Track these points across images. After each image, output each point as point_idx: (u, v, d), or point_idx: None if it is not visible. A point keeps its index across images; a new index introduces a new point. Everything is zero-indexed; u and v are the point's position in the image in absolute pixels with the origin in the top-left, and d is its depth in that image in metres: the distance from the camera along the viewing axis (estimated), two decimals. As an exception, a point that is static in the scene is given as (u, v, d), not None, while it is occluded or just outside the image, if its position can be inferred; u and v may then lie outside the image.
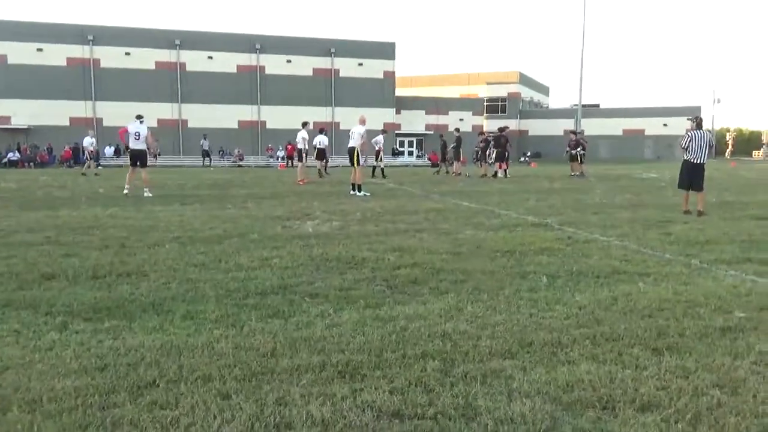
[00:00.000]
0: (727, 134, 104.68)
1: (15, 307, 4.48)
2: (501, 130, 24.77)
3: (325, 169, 24.13)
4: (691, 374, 3.29)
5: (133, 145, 14.62)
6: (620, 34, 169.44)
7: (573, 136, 24.50)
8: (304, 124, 20.50)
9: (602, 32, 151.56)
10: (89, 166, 26.09)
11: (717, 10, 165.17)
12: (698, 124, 11.24)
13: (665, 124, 66.36)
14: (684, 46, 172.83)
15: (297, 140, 20.71)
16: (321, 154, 23.18)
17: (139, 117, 14.92)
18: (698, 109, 67.80)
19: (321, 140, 22.67)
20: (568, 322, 4.19)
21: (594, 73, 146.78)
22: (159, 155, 38.39)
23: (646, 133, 66.89)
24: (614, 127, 66.98)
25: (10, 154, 40.77)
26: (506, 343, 3.74)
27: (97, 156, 26.44)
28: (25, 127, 43.64)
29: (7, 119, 43.67)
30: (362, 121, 15.28)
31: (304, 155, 20.29)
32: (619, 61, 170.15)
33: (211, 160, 41.27)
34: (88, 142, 26.45)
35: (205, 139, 41.83)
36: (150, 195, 13.85)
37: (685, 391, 3.07)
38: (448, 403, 2.92)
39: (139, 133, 14.58)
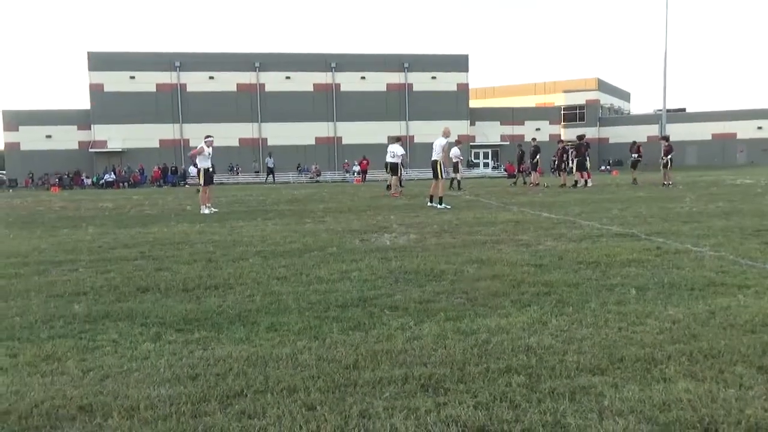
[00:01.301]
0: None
1: (113, 318, 4.75)
2: (580, 138, 24.22)
3: (400, 183, 24.25)
4: (803, 395, 3.03)
5: (207, 164, 15.17)
6: (707, 32, 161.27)
7: (665, 142, 23.31)
8: (397, 139, 20.89)
9: (687, 32, 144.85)
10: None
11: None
12: None
13: (759, 127, 62.32)
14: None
15: (393, 154, 20.94)
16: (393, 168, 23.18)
17: (207, 137, 15.41)
18: (797, 109, 63.30)
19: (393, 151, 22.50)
20: (662, 337, 3.97)
21: (679, 76, 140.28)
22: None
23: (738, 137, 63.06)
24: (702, 131, 63.60)
25: (106, 176, 43.62)
26: (595, 359, 3.59)
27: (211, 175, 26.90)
28: (120, 150, 46.63)
29: (104, 143, 46.85)
30: (446, 134, 15.26)
31: (400, 169, 20.61)
32: (707, 61, 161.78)
33: (274, 177, 42.02)
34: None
35: (270, 156, 42.92)
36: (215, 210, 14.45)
37: (797, 412, 2.83)
38: (535, 420, 2.82)
39: (210, 153, 15.16)
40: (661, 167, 22.88)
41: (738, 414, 2.83)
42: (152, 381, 3.40)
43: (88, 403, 3.11)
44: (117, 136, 46.70)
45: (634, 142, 25.81)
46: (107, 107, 46.08)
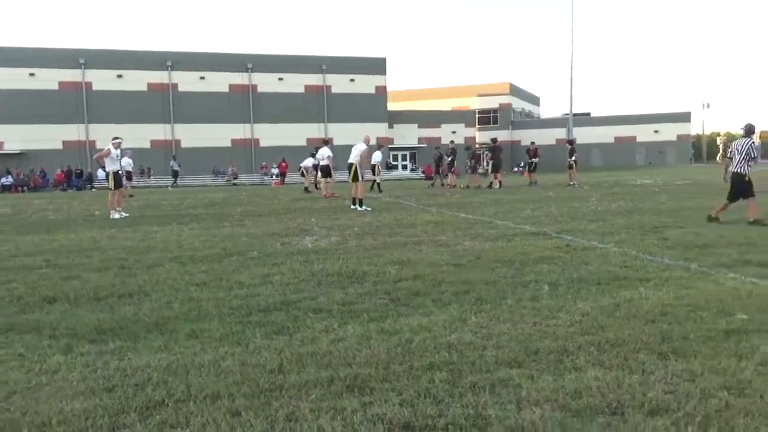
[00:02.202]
0: (718, 138, 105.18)
1: (18, 331, 4.47)
2: (494, 141, 25.16)
3: (316, 186, 24.25)
4: (697, 377, 3.31)
5: (116, 166, 14.65)
6: (609, 42, 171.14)
7: (569, 145, 24.65)
8: (325, 142, 20.90)
9: (591, 41, 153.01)
10: (127, 187, 24.78)
11: (705, 16, 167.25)
12: (746, 132, 10.37)
13: (656, 131, 66.90)
14: (672, 52, 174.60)
15: (322, 157, 20.90)
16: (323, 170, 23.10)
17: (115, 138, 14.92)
18: (688, 114, 68.47)
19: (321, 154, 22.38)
20: (573, 330, 4.20)
21: (584, 82, 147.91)
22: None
23: (637, 140, 67.37)
24: (606, 134, 67.47)
25: (3, 179, 40.67)
26: (512, 353, 3.76)
27: (130, 177, 25.46)
28: (18, 152, 43.59)
29: (0, 144, 43.63)
30: (367, 141, 15.54)
31: (330, 171, 20.83)
32: (609, 69, 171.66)
33: (177, 180, 40.41)
34: (126, 162, 25.60)
35: (174, 159, 41.29)
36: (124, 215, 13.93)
37: (693, 394, 3.09)
38: (458, 413, 2.92)
39: (118, 155, 14.71)
40: (567, 168, 24.15)
41: (641, 397, 3.05)
42: (64, 395, 3.24)
43: (-7, 421, 2.92)
44: (15, 137, 43.60)
45: (532, 143, 27.16)
46: (4, 106, 42.95)
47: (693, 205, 13.34)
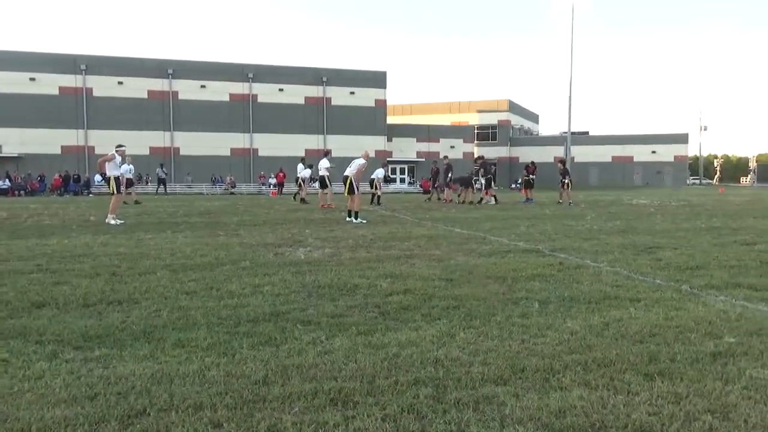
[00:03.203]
0: (715, 161, 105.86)
1: (4, 336, 4.44)
2: (481, 158, 25.46)
3: (299, 198, 24.43)
4: (682, 399, 3.30)
5: (117, 172, 14.92)
6: (609, 62, 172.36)
7: (561, 166, 24.74)
8: (325, 153, 20.99)
9: (591, 60, 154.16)
10: (130, 194, 24.52)
11: (704, 40, 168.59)
12: None
13: (654, 151, 67.29)
14: (671, 74, 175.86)
15: (320, 168, 20.98)
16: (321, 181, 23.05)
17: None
18: (686, 136, 68.89)
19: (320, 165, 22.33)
20: (560, 348, 4.20)
21: (583, 101, 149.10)
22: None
23: (635, 160, 67.70)
24: (603, 154, 67.83)
25: (0, 182, 40.61)
26: (498, 370, 3.74)
27: (131, 183, 25.47)
28: (16, 155, 43.59)
29: (-2, 147, 43.65)
30: (366, 156, 15.59)
31: (328, 182, 20.83)
32: (608, 89, 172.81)
33: (166, 188, 40.51)
34: (126, 169, 25.57)
35: (161, 167, 41.24)
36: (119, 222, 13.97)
37: (677, 416, 3.08)
38: (440, 430, 2.91)
39: (120, 161, 15.06)
40: (559, 187, 24.27)
41: (625, 418, 3.04)
42: (46, 402, 3.21)
43: (-28, 427, 2.90)
44: (12, 141, 43.64)
45: (532, 162, 27.31)
46: (3, 109, 43.03)
47: (688, 226, 13.37)
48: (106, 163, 14.68)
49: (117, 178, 14.82)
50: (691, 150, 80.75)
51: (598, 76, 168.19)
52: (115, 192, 14.62)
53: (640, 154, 67.58)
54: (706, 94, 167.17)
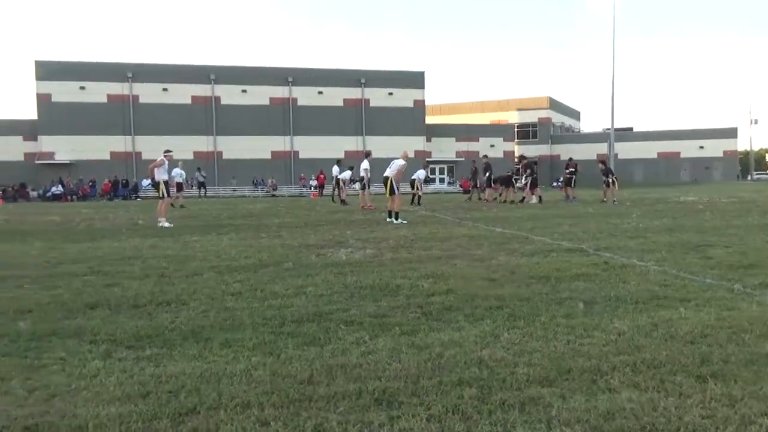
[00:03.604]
0: (767, 155, 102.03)
1: (61, 336, 4.62)
2: (522, 157, 25.13)
3: (336, 199, 24.63)
4: (737, 402, 3.19)
5: (166, 176, 15.47)
6: (652, 55, 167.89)
7: (602, 166, 24.23)
8: (367, 154, 21.18)
9: (635, 54, 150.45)
10: (178, 197, 24.99)
11: (753, 30, 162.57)
12: None
13: (701, 147, 65.21)
14: (719, 66, 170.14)
15: (361, 169, 21.24)
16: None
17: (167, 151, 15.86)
18: (735, 130, 66.57)
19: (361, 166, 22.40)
20: (607, 349, 4.12)
21: (626, 96, 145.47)
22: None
23: (681, 156, 65.73)
24: (648, 150, 66.09)
25: (53, 188, 42.20)
26: (544, 371, 3.70)
27: (181, 187, 26.28)
28: (68, 162, 45.22)
29: (51, 155, 45.37)
30: (405, 157, 15.63)
31: (367, 183, 21.07)
32: (653, 83, 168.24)
33: (205, 191, 41.37)
34: (177, 173, 26.30)
35: (199, 170, 42.03)
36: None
37: (731, 420, 2.98)
38: (486, 431, 2.90)
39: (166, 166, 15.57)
40: (603, 186, 23.73)
41: (677, 421, 2.97)
42: (101, 399, 3.33)
43: (34, 423, 3.03)
44: (65, 148, 45.30)
45: (570, 159, 26.79)
46: (55, 118, 44.71)
47: (739, 223, 12.92)
48: (157, 168, 15.19)
49: (166, 182, 15.35)
50: (741, 144, 77.99)
51: (643, 70, 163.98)
52: (165, 195, 15.11)
53: (687, 149, 65.58)
54: (756, 86, 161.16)
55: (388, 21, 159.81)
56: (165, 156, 15.46)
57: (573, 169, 25.16)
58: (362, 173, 21.02)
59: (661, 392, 3.35)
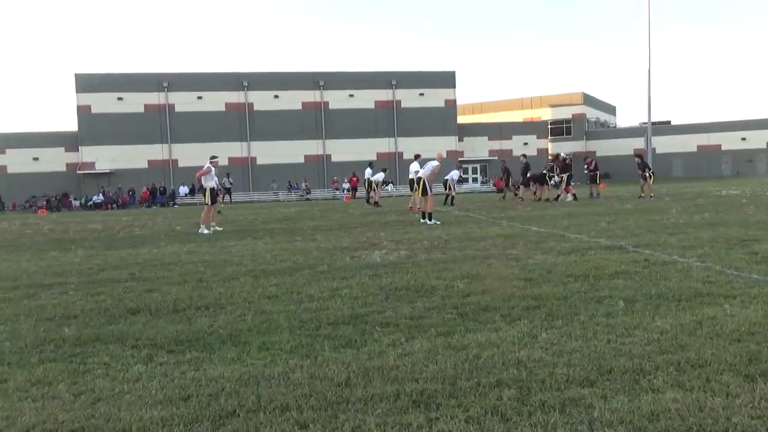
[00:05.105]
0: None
1: (104, 341, 4.74)
2: (557, 156, 24.78)
3: (371, 201, 24.55)
4: (788, 402, 3.08)
5: (213, 183, 15.36)
6: (690, 45, 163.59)
7: (638, 159, 23.71)
8: (417, 157, 21.19)
9: (670, 45, 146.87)
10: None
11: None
12: None
13: (743, 138, 63.16)
14: (761, 54, 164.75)
15: (410, 172, 21.27)
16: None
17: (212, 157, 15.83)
18: (779, 120, 64.32)
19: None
20: (650, 348, 4.02)
21: (663, 89, 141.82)
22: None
23: (722, 149, 63.83)
24: (687, 143, 64.34)
25: (95, 197, 43.40)
26: (584, 371, 3.63)
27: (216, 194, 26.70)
28: (108, 171, 46.44)
29: (92, 165, 46.66)
30: (439, 158, 15.69)
31: (416, 186, 20.95)
32: (691, 74, 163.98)
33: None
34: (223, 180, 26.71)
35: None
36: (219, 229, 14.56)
37: (783, 420, 2.88)
38: (526, 432, 2.85)
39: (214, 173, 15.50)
40: (641, 180, 23.22)
41: (725, 422, 2.87)
42: (144, 403, 3.40)
43: (80, 426, 3.11)
44: (105, 157, 46.53)
45: (586, 157, 26.38)
46: (95, 128, 45.97)
47: (785, 216, 12.48)
48: (205, 175, 15.24)
49: (213, 189, 15.26)
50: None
51: (680, 61, 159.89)
52: (210, 202, 15.13)
53: (729, 141, 63.60)
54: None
55: (418, 21, 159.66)
56: (211, 162, 15.41)
57: (594, 167, 24.83)
58: (411, 175, 20.91)
59: (707, 392, 3.25)
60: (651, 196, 21.90)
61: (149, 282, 7.37)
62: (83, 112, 46.26)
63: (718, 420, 2.90)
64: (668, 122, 71.02)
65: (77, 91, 46.15)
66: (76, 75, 46.42)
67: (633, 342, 4.17)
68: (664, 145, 61.02)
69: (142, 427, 3.07)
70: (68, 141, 47.30)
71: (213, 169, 15.31)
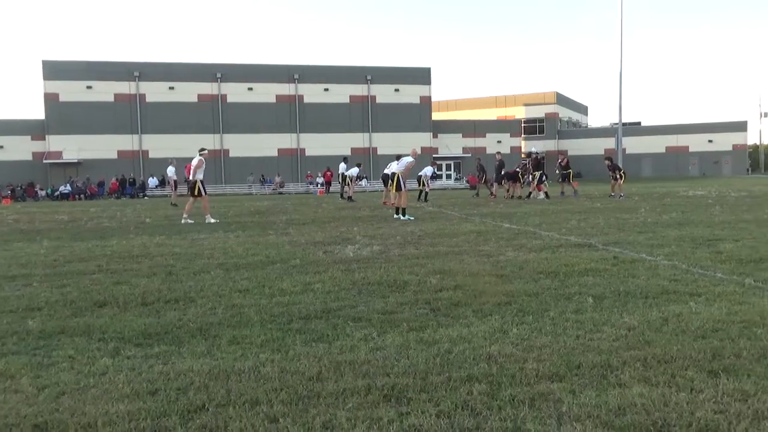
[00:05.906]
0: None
1: (69, 333, 4.63)
2: (529, 154, 25.12)
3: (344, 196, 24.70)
4: (750, 397, 3.16)
5: (202, 176, 15.51)
6: (660, 49, 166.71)
7: (608, 162, 24.23)
8: (398, 158, 21.17)
9: (641, 48, 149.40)
10: (170, 195, 25.62)
11: (763, 21, 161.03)
12: None
13: (710, 140, 64.72)
14: (727, 59, 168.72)
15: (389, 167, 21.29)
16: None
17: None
18: (744, 123, 66.05)
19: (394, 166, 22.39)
20: (617, 344, 4.08)
21: (634, 91, 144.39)
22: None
23: (690, 150, 65.28)
24: (656, 144, 65.67)
25: (61, 188, 42.44)
26: (553, 366, 3.67)
27: (176, 186, 26.57)
28: (75, 161, 45.42)
29: (59, 154, 45.56)
30: (414, 154, 15.70)
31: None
32: (661, 77, 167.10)
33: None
34: (172, 171, 26.62)
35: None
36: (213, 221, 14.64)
37: (744, 414, 2.95)
38: (496, 426, 2.88)
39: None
40: (611, 180, 23.70)
41: (689, 416, 2.94)
42: (110, 397, 3.33)
43: (44, 420, 3.03)
44: (73, 147, 45.46)
45: (559, 154, 26.85)
46: (63, 117, 44.88)
47: (750, 217, 12.82)
48: (198, 169, 15.28)
49: (202, 182, 15.37)
50: (751, 138, 77.39)
51: (651, 63, 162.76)
52: (203, 194, 15.26)
53: (696, 143, 65.08)
54: (766, 78, 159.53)
55: (394, 17, 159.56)
56: (201, 154, 15.54)
57: (566, 165, 25.30)
58: (386, 170, 20.97)
59: (673, 387, 3.32)
60: (621, 196, 22.29)
61: (117, 274, 7.23)
62: (51, 99, 45.10)
63: (682, 414, 2.96)
64: (638, 123, 72.35)
65: (45, 78, 44.95)
66: (43, 62, 45.19)
67: (601, 338, 4.23)
68: (634, 145, 62.17)
69: (107, 422, 3.01)
70: (35, 129, 46.03)
71: (204, 161, 15.54)
